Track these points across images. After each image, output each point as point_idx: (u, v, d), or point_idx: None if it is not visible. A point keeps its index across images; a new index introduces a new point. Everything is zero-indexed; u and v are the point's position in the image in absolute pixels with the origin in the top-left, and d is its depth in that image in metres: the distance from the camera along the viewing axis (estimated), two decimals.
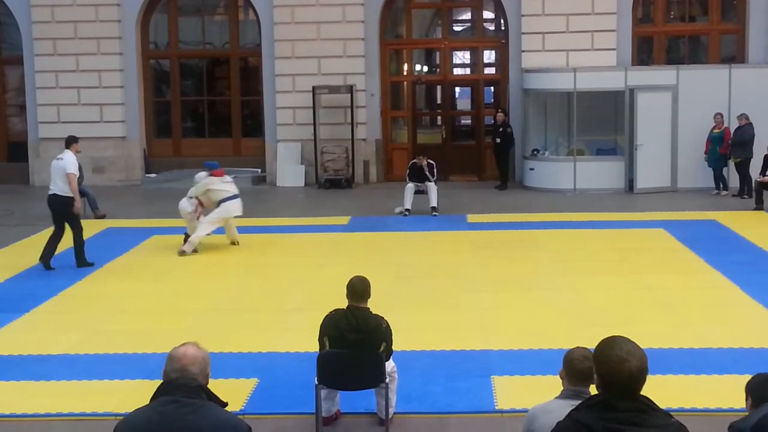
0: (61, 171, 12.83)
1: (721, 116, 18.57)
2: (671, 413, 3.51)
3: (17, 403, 7.97)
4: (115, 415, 7.16)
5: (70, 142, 13.29)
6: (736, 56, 20.99)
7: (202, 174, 14.19)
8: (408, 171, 17.40)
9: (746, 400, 4.75)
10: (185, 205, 14.12)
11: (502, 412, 7.59)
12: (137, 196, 20.22)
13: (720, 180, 18.68)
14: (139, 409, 3.87)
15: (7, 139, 22.81)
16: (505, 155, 20.07)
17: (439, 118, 22.63)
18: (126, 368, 8.73)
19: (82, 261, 13.12)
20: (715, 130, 18.58)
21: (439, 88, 22.70)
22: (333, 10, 20.75)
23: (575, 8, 20.22)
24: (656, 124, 18.97)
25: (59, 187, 12.90)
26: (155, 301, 11.32)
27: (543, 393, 5.52)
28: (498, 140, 19.96)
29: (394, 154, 21.67)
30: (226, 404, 3.89)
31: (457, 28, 23.46)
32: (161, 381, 3.86)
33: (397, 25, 22.40)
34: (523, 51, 20.45)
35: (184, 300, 11.38)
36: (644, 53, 21.42)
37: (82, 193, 17.14)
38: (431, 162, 17.27)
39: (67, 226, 13.04)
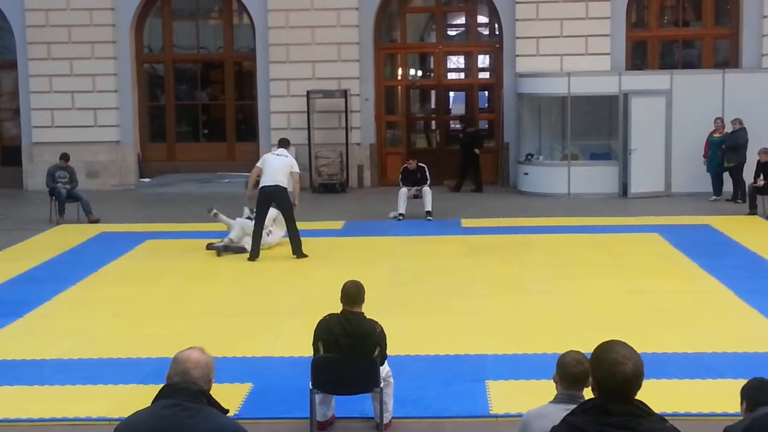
0: (287, 168, 13.40)
1: (722, 121, 18.50)
2: (666, 417, 3.52)
3: (11, 407, 7.95)
4: (109, 419, 7.16)
5: (287, 143, 14.02)
6: (729, 61, 21.02)
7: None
8: (400, 176, 17.42)
9: (741, 404, 4.76)
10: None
11: (496, 416, 7.59)
12: (131, 200, 20.18)
13: (718, 184, 18.58)
14: (139, 411, 3.88)
15: (1, 143, 22.76)
16: (471, 155, 20.17)
17: (433, 122, 22.63)
18: (120, 373, 8.71)
19: (299, 252, 13.58)
20: (716, 135, 18.45)
21: (433, 92, 22.70)
22: (327, 14, 20.75)
23: (569, 13, 20.24)
24: (650, 129, 18.97)
25: (279, 180, 13.36)
26: (149, 306, 11.29)
27: (538, 397, 5.52)
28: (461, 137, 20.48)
29: (389, 158, 21.67)
30: (227, 411, 3.89)
31: (452, 32, 23.46)
32: (157, 385, 3.87)
33: (392, 29, 22.41)
34: (517, 55, 20.47)
35: (178, 304, 11.35)
36: (638, 58, 21.44)
37: (75, 197, 17.16)
38: (422, 165, 17.30)
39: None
